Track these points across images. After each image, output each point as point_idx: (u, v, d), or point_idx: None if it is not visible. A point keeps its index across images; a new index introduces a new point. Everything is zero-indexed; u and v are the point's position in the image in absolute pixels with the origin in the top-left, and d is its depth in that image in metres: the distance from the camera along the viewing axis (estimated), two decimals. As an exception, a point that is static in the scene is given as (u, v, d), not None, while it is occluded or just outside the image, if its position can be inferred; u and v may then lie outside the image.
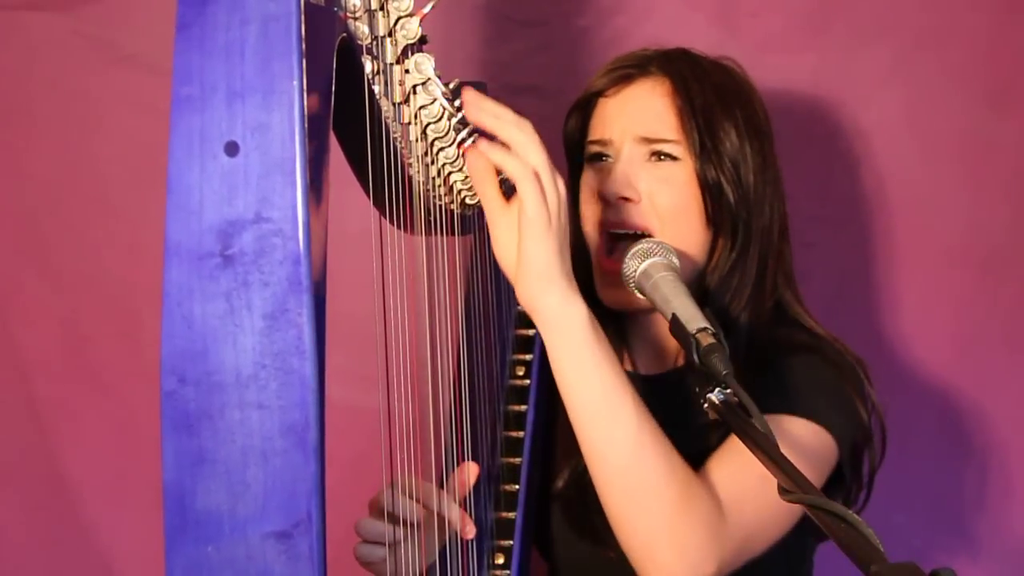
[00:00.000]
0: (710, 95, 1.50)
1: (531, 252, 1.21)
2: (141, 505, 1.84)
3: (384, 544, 1.39)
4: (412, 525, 1.37)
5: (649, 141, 1.50)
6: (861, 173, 2.04)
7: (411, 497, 1.36)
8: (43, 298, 2.10)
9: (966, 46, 2.01)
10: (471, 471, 1.42)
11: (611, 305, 1.55)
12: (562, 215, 1.22)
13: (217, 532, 0.92)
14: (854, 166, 2.04)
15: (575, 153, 1.62)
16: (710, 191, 1.49)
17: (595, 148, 1.56)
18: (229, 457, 0.92)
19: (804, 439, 1.41)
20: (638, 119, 1.51)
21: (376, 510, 1.40)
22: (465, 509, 1.42)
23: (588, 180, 1.57)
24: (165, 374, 0.92)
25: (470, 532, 1.41)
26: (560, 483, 1.58)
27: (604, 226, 1.53)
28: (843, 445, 1.45)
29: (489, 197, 1.23)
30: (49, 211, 2.09)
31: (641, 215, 1.49)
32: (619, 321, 1.60)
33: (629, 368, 1.62)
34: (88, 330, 2.11)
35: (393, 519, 1.38)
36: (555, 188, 1.21)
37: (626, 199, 1.50)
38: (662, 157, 1.50)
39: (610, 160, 1.54)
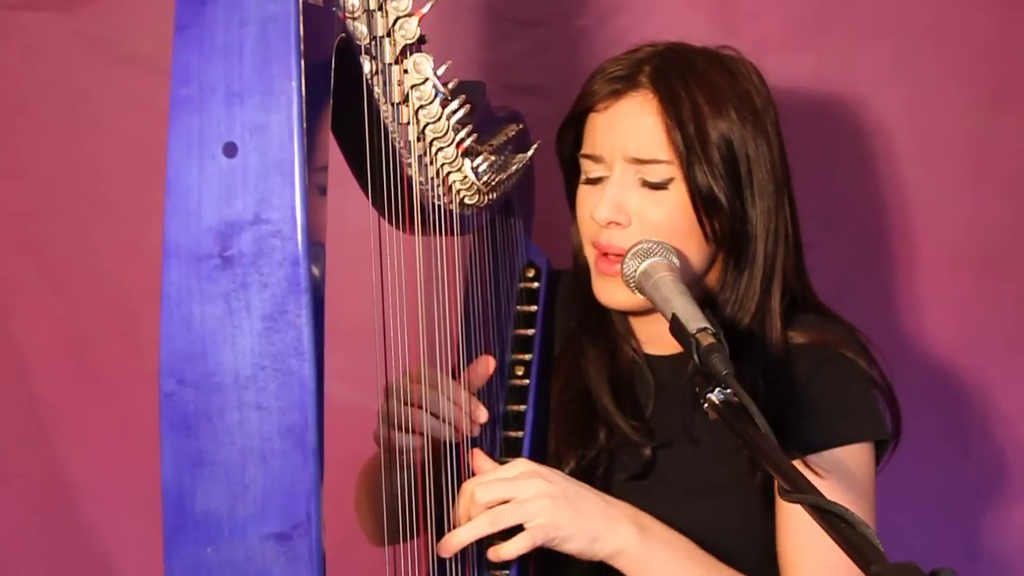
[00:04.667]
0: (703, 104, 1.47)
1: (568, 534, 1.38)
2: (141, 505, 1.84)
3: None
4: (426, 411, 1.40)
5: (639, 162, 1.48)
6: (861, 173, 2.04)
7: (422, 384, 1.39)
8: (43, 298, 2.10)
9: (967, 46, 2.01)
10: (488, 364, 1.47)
11: (607, 306, 1.56)
12: (565, 492, 1.38)
13: (216, 533, 0.92)
14: (854, 166, 2.04)
15: (570, 166, 1.61)
16: (705, 209, 1.48)
17: (588, 164, 1.54)
18: (228, 458, 0.91)
19: (857, 465, 1.48)
20: (627, 138, 1.49)
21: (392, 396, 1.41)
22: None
23: (583, 199, 1.56)
24: (164, 375, 0.92)
25: (482, 416, 1.45)
26: None
27: (597, 246, 1.53)
28: (882, 442, 1.54)
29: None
30: (49, 211, 2.09)
31: (631, 238, 1.47)
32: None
33: (644, 350, 1.62)
34: (88, 330, 2.11)
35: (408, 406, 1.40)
36: (547, 489, 1.37)
37: (616, 223, 1.49)
38: (654, 186, 1.48)
39: (604, 179, 1.52)
